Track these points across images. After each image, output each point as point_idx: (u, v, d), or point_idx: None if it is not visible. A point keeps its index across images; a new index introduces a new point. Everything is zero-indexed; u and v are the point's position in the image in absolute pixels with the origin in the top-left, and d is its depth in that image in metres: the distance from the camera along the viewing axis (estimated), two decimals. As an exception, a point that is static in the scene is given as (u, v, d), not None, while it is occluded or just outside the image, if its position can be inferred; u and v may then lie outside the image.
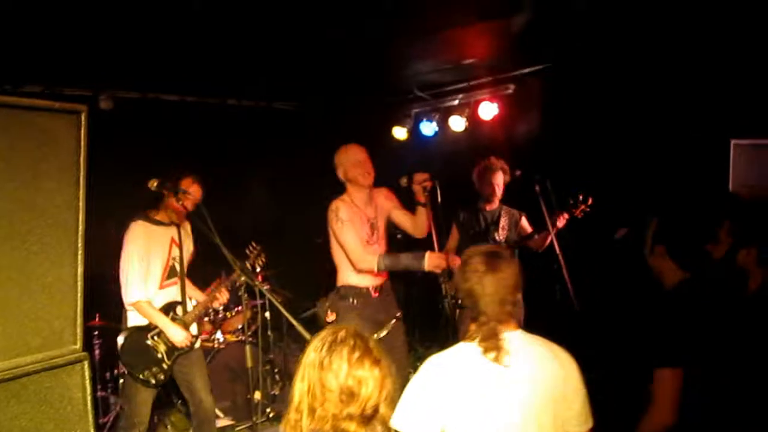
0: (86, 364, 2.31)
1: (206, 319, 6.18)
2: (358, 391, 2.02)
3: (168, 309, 4.55)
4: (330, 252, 4.93)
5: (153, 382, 4.44)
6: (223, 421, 5.62)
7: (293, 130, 7.82)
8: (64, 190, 2.21)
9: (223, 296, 4.75)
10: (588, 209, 5.35)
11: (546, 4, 4.71)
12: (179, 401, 5.57)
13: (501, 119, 6.77)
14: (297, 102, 8.02)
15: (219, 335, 6.08)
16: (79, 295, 2.29)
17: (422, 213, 4.67)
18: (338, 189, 4.96)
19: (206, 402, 4.67)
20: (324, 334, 2.14)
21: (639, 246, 3.34)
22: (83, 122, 2.24)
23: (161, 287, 4.53)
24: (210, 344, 6.06)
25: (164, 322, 4.44)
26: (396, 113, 7.57)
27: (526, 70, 6.56)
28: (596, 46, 5.72)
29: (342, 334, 2.12)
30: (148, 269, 4.41)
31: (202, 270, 5.11)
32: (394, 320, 4.80)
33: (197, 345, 4.70)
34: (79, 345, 2.31)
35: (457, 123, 6.94)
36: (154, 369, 4.44)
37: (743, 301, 2.97)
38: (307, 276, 7.43)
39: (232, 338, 6.23)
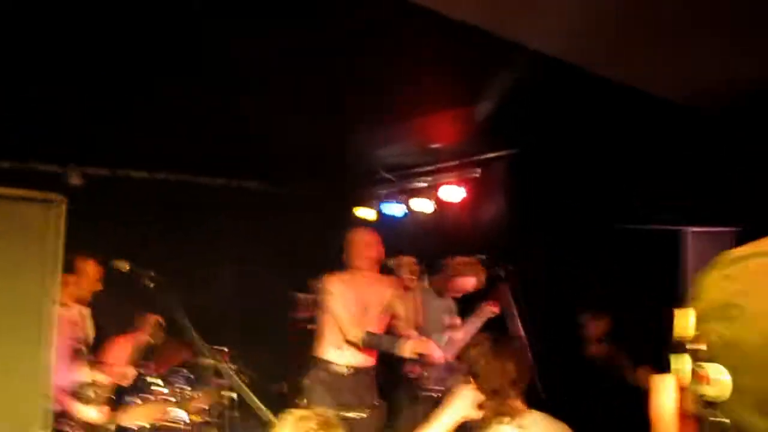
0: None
1: (172, 399, 6.08)
2: None
3: (78, 391, 4.41)
4: (317, 323, 5.06)
5: None
6: None
7: (264, 209, 7.86)
8: (44, 280, 2.24)
9: (130, 371, 4.69)
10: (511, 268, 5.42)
11: (511, 93, 4.89)
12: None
13: (468, 202, 6.88)
14: (267, 182, 8.08)
15: (184, 415, 5.97)
16: (50, 381, 2.30)
17: (410, 302, 4.80)
18: (305, 269, 5.06)
19: None
20: (287, 416, 2.20)
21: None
22: (64, 212, 2.29)
23: (71, 370, 4.41)
24: (176, 425, 5.95)
25: (77, 407, 4.29)
26: (362, 194, 7.65)
27: (492, 155, 6.71)
28: (561, 134, 5.89)
29: (306, 414, 2.19)
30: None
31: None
32: (368, 410, 4.78)
33: (112, 427, 4.57)
34: (49, 430, 2.30)
35: (424, 205, 7.03)
36: None
37: None
38: (274, 356, 7.39)
39: (197, 419, 6.12)
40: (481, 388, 2.55)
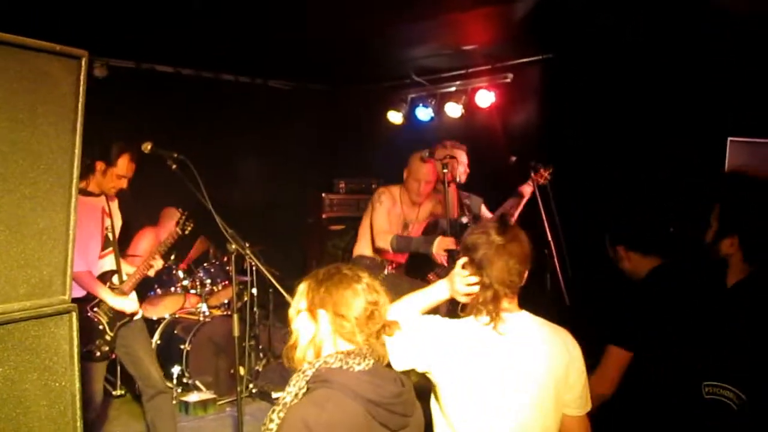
0: (74, 315, 2.25)
1: (193, 291, 6.14)
2: (375, 288, 2.14)
3: (104, 279, 4.40)
4: (359, 227, 5.28)
5: (98, 354, 4.26)
6: (205, 395, 5.58)
7: (288, 109, 7.76)
8: (60, 136, 2.15)
9: (158, 263, 4.67)
10: (549, 177, 5.31)
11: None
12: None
13: (498, 107, 6.75)
14: (293, 81, 7.96)
15: (204, 308, 6.04)
16: (70, 244, 2.23)
17: (444, 193, 4.74)
18: (329, 171, 5.05)
19: (154, 373, 4.49)
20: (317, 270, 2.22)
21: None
22: (83, 68, 2.18)
23: (100, 257, 4.40)
24: (195, 317, 6.02)
25: (106, 293, 4.29)
26: (392, 97, 7.53)
27: (526, 60, 6.55)
28: (597, 39, 5.72)
29: (333, 265, 2.23)
30: (85, 240, 4.20)
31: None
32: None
33: (138, 316, 4.55)
34: (67, 296, 2.24)
35: (454, 109, 6.90)
36: (97, 341, 4.26)
37: (712, 295, 2.82)
38: (294, 256, 7.41)
39: (217, 312, 6.19)
40: (475, 275, 2.43)
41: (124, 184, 4.37)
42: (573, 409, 2.45)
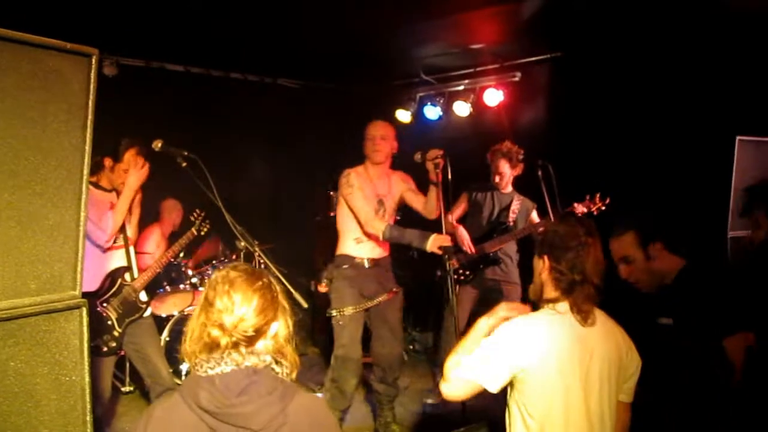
0: (84, 310, 2.28)
1: (201, 289, 6.16)
2: (231, 309, 2.04)
3: (116, 275, 4.43)
4: (335, 223, 5.11)
5: (105, 349, 4.29)
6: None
7: (297, 107, 7.78)
8: (71, 133, 2.17)
9: (163, 258, 4.76)
10: (603, 208, 5.34)
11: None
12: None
13: (506, 106, 6.75)
14: (302, 80, 7.98)
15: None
16: (80, 240, 2.26)
17: (433, 193, 4.71)
18: (335, 170, 5.04)
19: (163, 371, 4.51)
20: (226, 267, 2.19)
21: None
22: (94, 66, 2.21)
23: (106, 251, 4.40)
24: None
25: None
26: (400, 96, 7.54)
27: (534, 59, 6.55)
28: (605, 38, 5.71)
29: (244, 266, 2.17)
30: (91, 231, 4.19)
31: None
32: (386, 293, 4.92)
33: (148, 313, 4.58)
34: (78, 291, 2.27)
35: (462, 108, 6.91)
36: (104, 336, 4.29)
37: None
38: (302, 253, 7.43)
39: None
40: (556, 274, 2.52)
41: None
42: (626, 396, 2.63)
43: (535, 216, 5.81)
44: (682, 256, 3.07)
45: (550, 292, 2.55)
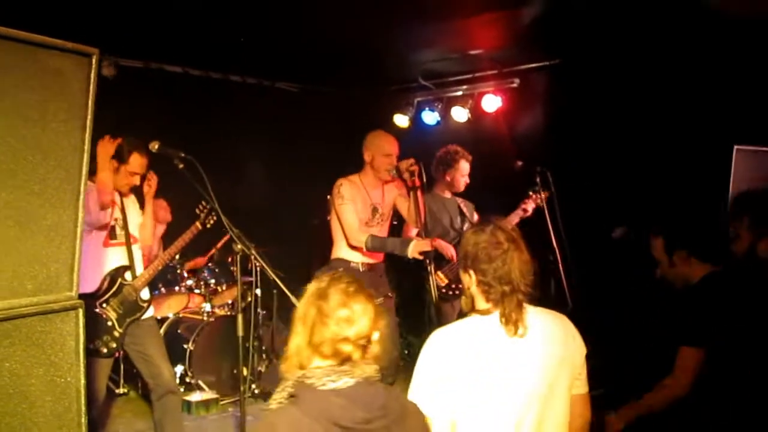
0: (81, 312, 2.26)
1: (197, 291, 6.16)
2: (354, 319, 2.02)
3: (116, 273, 4.39)
4: (329, 228, 5.13)
5: (105, 351, 4.25)
6: (207, 395, 5.59)
7: (295, 111, 7.77)
8: (70, 133, 2.16)
9: (159, 260, 4.70)
10: (543, 202, 5.34)
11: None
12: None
13: (504, 113, 6.76)
14: (301, 83, 7.97)
15: (208, 308, 6.05)
16: (77, 240, 2.24)
17: (413, 198, 4.73)
18: (334, 174, 5.03)
19: (165, 372, 4.46)
20: (324, 275, 2.16)
21: (640, 247, 3.49)
22: (94, 65, 2.20)
23: (105, 245, 4.37)
24: (198, 317, 6.03)
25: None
26: (398, 100, 7.53)
27: (532, 65, 6.56)
28: (603, 45, 5.72)
29: (340, 274, 2.15)
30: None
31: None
32: (382, 298, 4.88)
33: (149, 314, 4.55)
34: (74, 292, 2.26)
35: (460, 114, 6.91)
36: (104, 338, 4.24)
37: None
38: (299, 257, 7.40)
39: (220, 312, 6.20)
40: (485, 287, 2.45)
41: (136, 181, 4.42)
42: (580, 387, 2.54)
43: (476, 217, 5.79)
44: (709, 263, 3.30)
45: (481, 304, 2.47)
